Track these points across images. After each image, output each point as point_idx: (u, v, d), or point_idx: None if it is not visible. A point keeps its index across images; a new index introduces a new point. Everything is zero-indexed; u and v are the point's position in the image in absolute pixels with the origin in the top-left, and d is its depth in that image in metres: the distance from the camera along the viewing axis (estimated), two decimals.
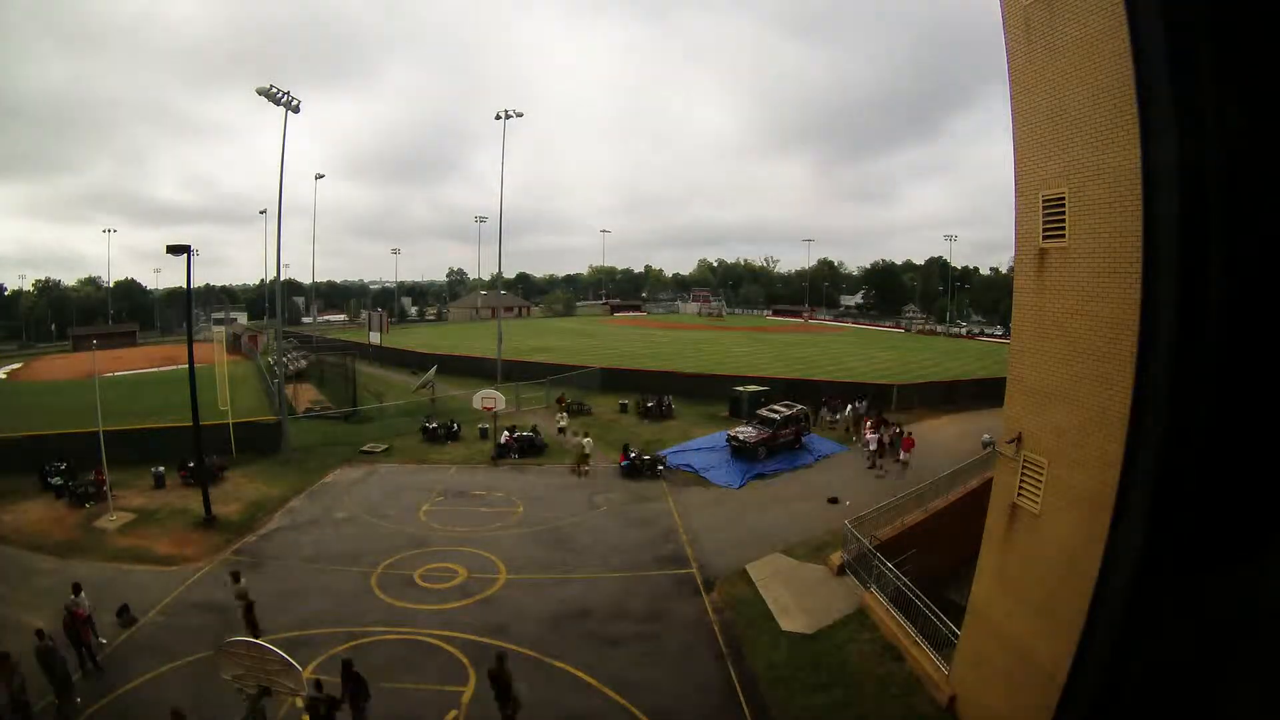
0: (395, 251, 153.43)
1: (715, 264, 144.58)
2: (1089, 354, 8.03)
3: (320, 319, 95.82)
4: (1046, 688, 8.01)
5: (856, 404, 31.53)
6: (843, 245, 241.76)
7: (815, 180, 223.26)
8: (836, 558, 16.09)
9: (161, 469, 21.89)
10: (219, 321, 74.09)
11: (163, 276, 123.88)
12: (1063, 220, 8.47)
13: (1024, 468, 9.41)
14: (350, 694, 9.68)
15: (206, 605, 14.42)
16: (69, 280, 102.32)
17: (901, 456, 24.23)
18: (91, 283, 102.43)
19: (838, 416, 31.09)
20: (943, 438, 28.91)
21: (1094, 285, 7.94)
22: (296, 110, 26.87)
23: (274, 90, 26.27)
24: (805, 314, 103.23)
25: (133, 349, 70.73)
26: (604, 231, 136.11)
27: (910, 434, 25.57)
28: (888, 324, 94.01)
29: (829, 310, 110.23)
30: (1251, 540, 5.42)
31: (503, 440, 26.31)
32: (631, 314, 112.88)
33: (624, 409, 33.59)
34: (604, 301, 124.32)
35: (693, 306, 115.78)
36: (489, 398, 27.21)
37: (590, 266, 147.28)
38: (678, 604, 14.77)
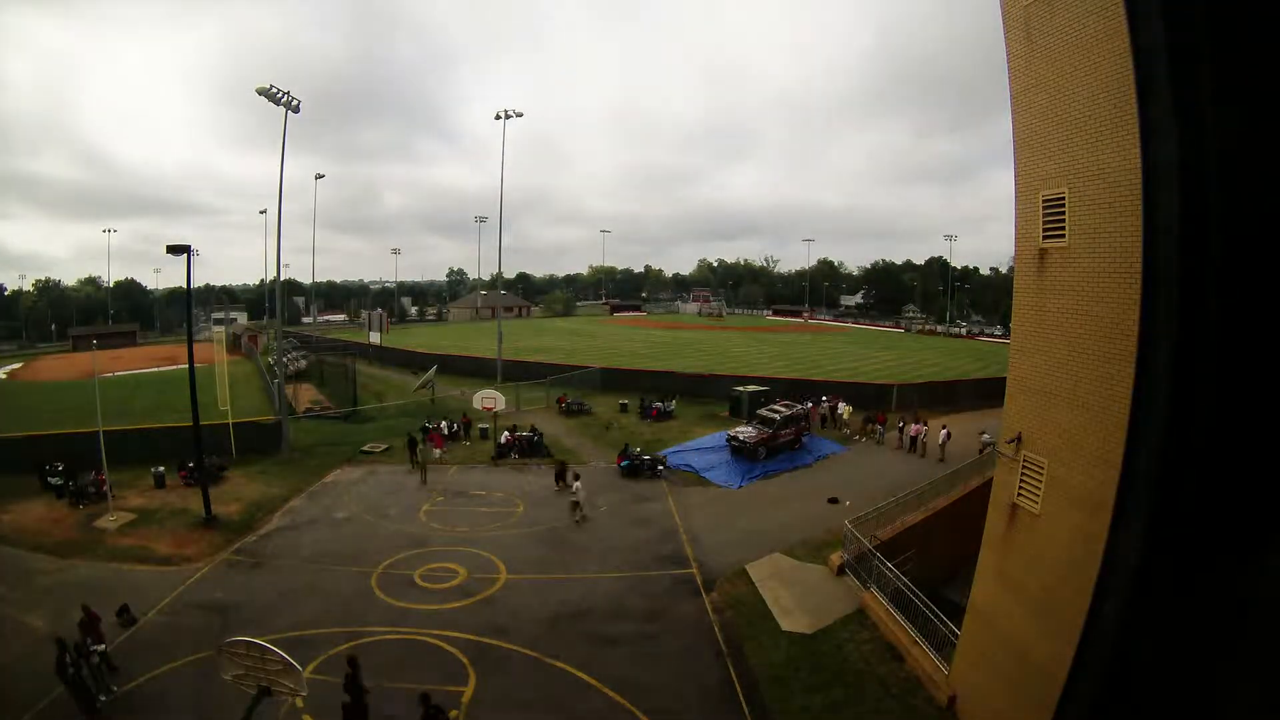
0: (395, 251, 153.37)
1: (715, 264, 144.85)
2: (1089, 354, 8.02)
3: (320, 319, 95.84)
4: (1046, 687, 8.01)
5: (813, 401, 31.61)
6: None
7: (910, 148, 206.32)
8: (836, 558, 16.09)
9: (161, 469, 21.88)
10: (219, 321, 74.07)
11: (162, 276, 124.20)
12: (1063, 220, 8.46)
13: (1024, 468, 9.41)
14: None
15: (206, 605, 14.41)
16: (69, 280, 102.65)
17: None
18: (91, 283, 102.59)
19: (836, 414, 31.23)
20: (942, 438, 28.87)
21: (1094, 285, 7.94)
22: (296, 110, 26.86)
23: (273, 90, 26.27)
24: (805, 314, 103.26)
25: (133, 349, 70.74)
26: (604, 231, 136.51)
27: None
28: (887, 324, 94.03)
29: (829, 310, 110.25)
30: (1251, 540, 5.42)
31: (503, 440, 26.31)
32: (631, 314, 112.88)
33: (624, 409, 33.59)
34: (604, 301, 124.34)
35: (693, 306, 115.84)
36: (489, 398, 27.23)
37: (590, 266, 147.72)
38: (678, 604, 14.77)
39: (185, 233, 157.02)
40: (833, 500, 20.94)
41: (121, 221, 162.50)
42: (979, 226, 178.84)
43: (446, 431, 28.08)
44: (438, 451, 25.70)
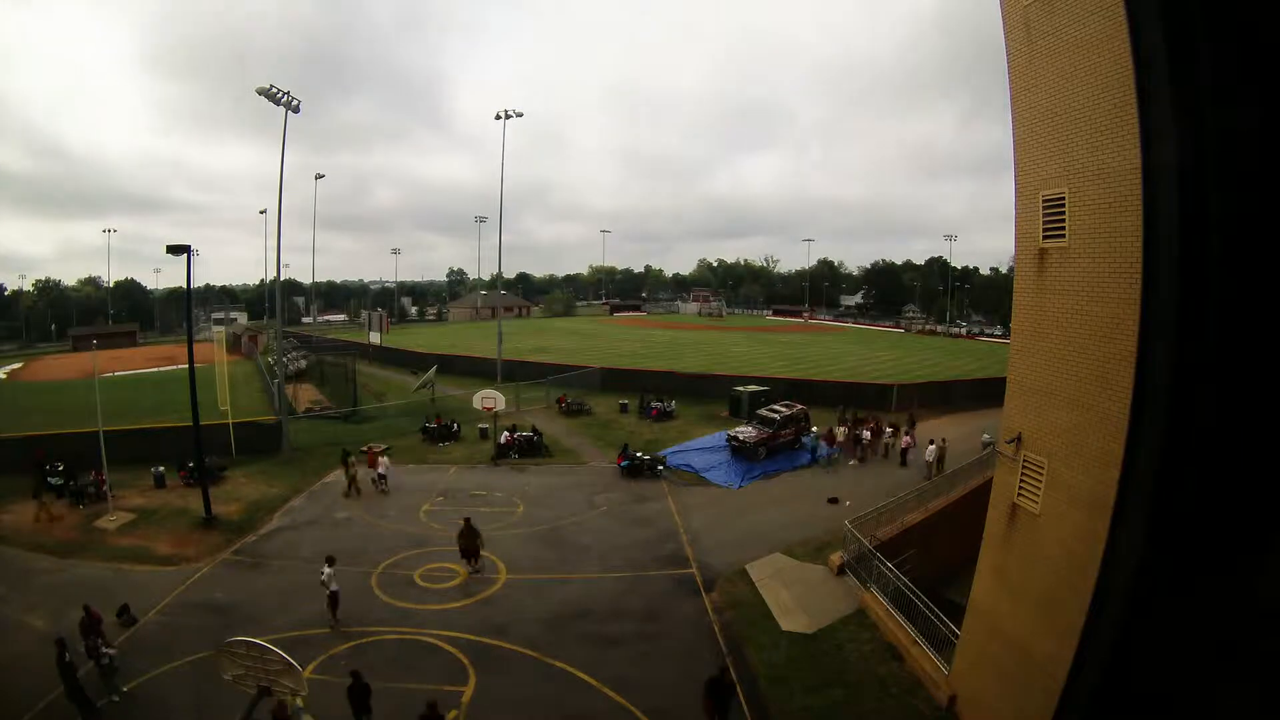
0: (395, 251, 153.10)
1: (715, 264, 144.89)
2: (1089, 354, 8.02)
3: (320, 319, 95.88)
4: (1046, 688, 8.01)
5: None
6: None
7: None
8: (836, 558, 16.08)
9: (161, 469, 21.88)
10: (219, 321, 74.22)
11: (162, 276, 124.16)
12: (1063, 220, 8.46)
13: (1024, 468, 9.41)
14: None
15: (206, 605, 14.43)
16: (69, 280, 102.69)
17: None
18: (91, 283, 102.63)
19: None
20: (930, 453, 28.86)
21: (1094, 285, 7.94)
22: (296, 110, 26.85)
23: (274, 90, 26.27)
24: (805, 314, 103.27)
25: (133, 349, 70.75)
26: (604, 231, 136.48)
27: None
28: (887, 324, 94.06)
29: (829, 310, 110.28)
30: (1251, 540, 5.42)
31: (503, 440, 26.31)
32: (631, 314, 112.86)
33: (624, 409, 33.59)
34: (604, 301, 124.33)
35: (693, 306, 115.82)
36: (489, 398, 27.20)
37: (590, 266, 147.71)
38: (678, 604, 14.77)
39: (168, 231, 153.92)
40: (833, 500, 20.94)
41: (102, 220, 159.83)
42: (981, 225, 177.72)
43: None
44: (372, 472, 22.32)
